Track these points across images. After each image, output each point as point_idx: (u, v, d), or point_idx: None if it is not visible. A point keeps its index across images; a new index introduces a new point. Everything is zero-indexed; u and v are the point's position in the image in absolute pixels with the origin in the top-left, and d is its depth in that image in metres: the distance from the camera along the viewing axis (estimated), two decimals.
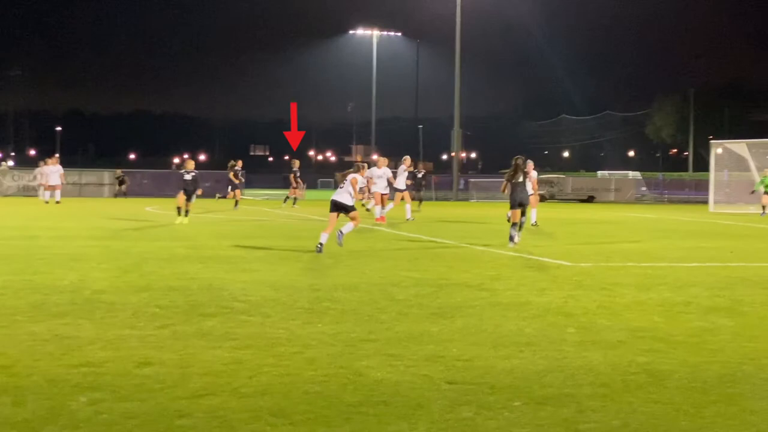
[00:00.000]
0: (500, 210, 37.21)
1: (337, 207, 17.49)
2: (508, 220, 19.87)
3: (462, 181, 63.74)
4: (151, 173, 61.35)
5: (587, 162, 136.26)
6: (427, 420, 5.78)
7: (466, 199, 57.11)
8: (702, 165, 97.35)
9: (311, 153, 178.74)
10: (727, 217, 35.09)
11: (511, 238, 19.15)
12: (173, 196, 43.05)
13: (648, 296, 11.66)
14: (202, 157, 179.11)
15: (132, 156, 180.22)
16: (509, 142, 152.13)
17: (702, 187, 61.81)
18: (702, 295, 11.86)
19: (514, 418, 5.86)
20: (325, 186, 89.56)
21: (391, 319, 9.61)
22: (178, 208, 26.50)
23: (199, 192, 27.19)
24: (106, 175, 55.99)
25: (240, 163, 39.57)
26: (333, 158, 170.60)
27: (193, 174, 27.00)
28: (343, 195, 17.44)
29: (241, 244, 18.87)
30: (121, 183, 53.15)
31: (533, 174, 23.88)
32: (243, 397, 6.25)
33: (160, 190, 54.87)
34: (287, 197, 40.85)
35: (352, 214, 17.46)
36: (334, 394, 6.39)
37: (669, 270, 15.06)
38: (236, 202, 37.35)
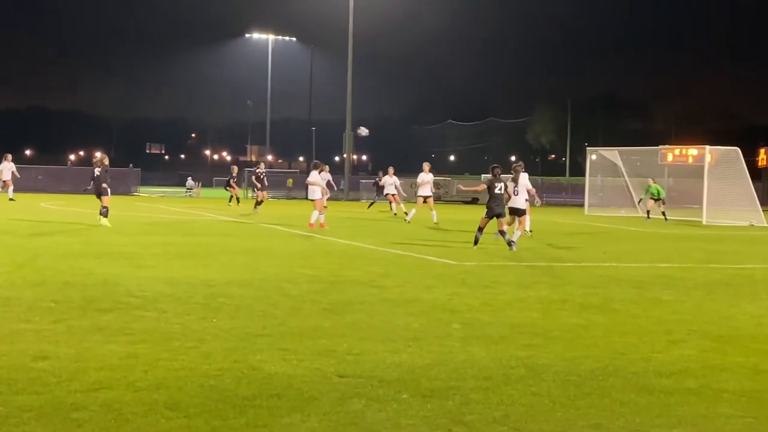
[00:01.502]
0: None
1: None
2: (480, 230, 18.98)
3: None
4: (46, 169, 59.81)
5: (472, 166, 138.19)
6: (318, 412, 5.78)
7: (357, 199, 57.30)
8: (578, 170, 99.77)
9: (207, 152, 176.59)
10: (601, 220, 36.06)
11: (509, 244, 18.40)
12: (68, 192, 41.99)
13: (527, 294, 11.90)
14: (98, 155, 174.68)
15: (27, 152, 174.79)
16: (399, 145, 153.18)
17: (578, 190, 63.41)
18: (577, 293, 12.16)
19: (402, 410, 5.91)
20: (220, 185, 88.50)
21: (285, 314, 9.57)
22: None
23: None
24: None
25: (262, 165, 39.27)
26: (228, 157, 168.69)
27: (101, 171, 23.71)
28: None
29: (136, 241, 18.51)
30: None
31: (526, 181, 20.85)
32: (138, 391, 6.14)
33: (55, 186, 53.41)
34: (232, 197, 40.15)
35: None
36: (228, 387, 6.33)
37: (547, 269, 15.40)
38: (258, 203, 36.14)
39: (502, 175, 19.54)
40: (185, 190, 67.11)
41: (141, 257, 15.14)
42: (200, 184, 71.89)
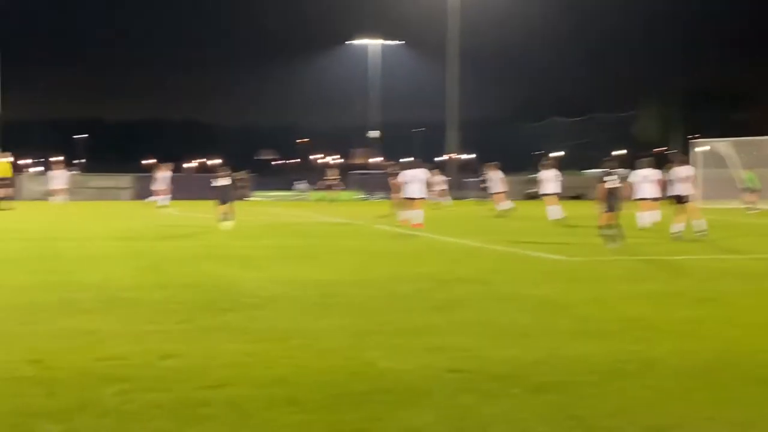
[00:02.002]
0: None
1: None
2: (602, 227, 18.59)
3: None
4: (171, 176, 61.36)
5: (577, 162, 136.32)
6: (432, 406, 5.82)
7: (461, 198, 57.12)
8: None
9: (316, 156, 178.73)
10: (712, 212, 35.04)
11: (612, 240, 18.04)
12: (188, 198, 43.11)
13: (639, 288, 11.69)
14: (209, 163, 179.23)
15: (150, 161, 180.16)
16: (504, 144, 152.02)
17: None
18: (689, 286, 11.90)
19: (514, 404, 5.90)
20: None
21: (396, 312, 9.66)
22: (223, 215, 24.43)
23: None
24: (125, 179, 56.11)
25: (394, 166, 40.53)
26: (339, 161, 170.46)
27: (226, 181, 25.15)
28: None
29: (253, 244, 18.93)
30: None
31: (684, 170, 20.86)
32: (259, 387, 6.30)
33: (177, 192, 55.02)
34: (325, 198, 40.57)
35: None
36: (344, 383, 6.43)
37: (658, 263, 15.09)
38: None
39: (617, 169, 19.28)
40: (296, 193, 68.15)
41: (258, 259, 15.47)
42: (311, 187, 72.92)
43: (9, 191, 37.27)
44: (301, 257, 15.93)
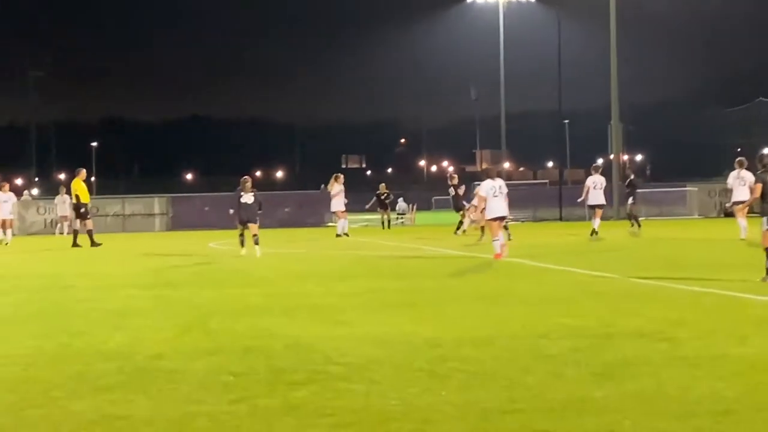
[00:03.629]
0: (684, 232, 36.70)
1: None
2: None
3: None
4: (214, 198, 62.07)
5: None
6: None
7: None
8: None
9: (422, 163, 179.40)
10: None
11: None
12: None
13: None
14: (279, 174, 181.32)
15: (188, 176, 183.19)
16: (687, 138, 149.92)
17: None
18: None
19: None
20: (443, 206, 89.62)
21: (540, 382, 9.56)
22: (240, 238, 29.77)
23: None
24: (157, 203, 57.18)
25: (455, 177, 41.94)
26: (451, 168, 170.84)
27: (253, 196, 29.63)
28: None
29: (335, 289, 19.02)
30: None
31: None
32: None
33: (228, 219, 55.74)
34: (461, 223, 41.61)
35: None
36: None
37: None
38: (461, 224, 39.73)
39: None
40: (395, 216, 68.55)
41: (341, 310, 15.53)
42: (415, 206, 73.28)
43: (89, 222, 38.37)
44: (401, 306, 15.92)
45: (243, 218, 29.46)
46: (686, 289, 17.58)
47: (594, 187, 36.93)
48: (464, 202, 42.09)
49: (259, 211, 29.69)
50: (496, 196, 26.03)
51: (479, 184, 28.49)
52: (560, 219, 60.21)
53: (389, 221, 54.43)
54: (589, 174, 38.77)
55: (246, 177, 30.09)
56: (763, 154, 19.22)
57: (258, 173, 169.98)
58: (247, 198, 29.42)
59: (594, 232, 35.55)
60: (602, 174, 38.00)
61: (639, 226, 38.44)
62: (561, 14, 72.73)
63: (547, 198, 65.15)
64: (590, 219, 39.88)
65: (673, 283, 18.53)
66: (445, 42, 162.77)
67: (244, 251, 29.16)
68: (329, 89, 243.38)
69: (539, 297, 16.89)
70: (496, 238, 25.73)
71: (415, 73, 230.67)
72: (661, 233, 36.24)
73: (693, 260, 24.08)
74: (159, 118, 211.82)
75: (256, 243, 28.79)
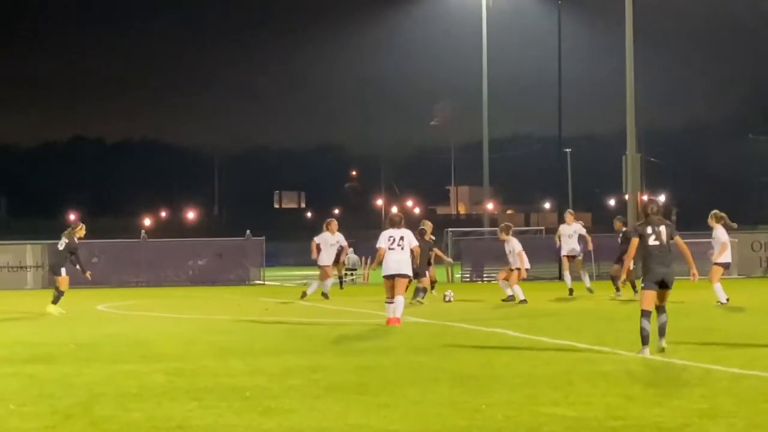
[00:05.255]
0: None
1: None
2: None
3: None
4: (105, 245, 61.90)
5: None
6: None
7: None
8: None
9: (378, 202, 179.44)
10: None
11: None
12: (143, 284, 43.55)
13: None
14: (191, 215, 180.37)
15: (71, 216, 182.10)
16: (724, 173, 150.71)
17: None
18: None
19: None
20: None
21: None
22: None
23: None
24: (30, 252, 56.83)
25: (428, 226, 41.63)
26: (417, 210, 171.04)
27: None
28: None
29: (261, 366, 19.03)
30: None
31: None
32: None
33: (122, 273, 55.45)
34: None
35: None
36: None
37: None
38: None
39: None
40: (344, 271, 68.45)
41: (271, 395, 15.52)
42: (369, 260, 73.18)
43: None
44: (348, 389, 15.93)
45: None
46: (722, 370, 17.66)
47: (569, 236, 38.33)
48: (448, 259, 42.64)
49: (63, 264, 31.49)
50: (392, 249, 27.09)
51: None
52: (560, 278, 59.97)
53: (341, 279, 54.07)
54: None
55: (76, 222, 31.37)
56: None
57: (163, 213, 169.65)
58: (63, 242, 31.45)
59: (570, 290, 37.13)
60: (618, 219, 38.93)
61: (618, 290, 38.58)
62: (562, 13, 71.31)
63: (542, 250, 63.99)
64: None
65: (703, 362, 18.62)
66: (411, 44, 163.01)
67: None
68: (257, 107, 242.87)
69: (527, 378, 16.94)
70: (389, 299, 27.04)
71: (370, 85, 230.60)
72: (689, 296, 36.40)
73: (730, 333, 24.21)
74: (36, 140, 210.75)
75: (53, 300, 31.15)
